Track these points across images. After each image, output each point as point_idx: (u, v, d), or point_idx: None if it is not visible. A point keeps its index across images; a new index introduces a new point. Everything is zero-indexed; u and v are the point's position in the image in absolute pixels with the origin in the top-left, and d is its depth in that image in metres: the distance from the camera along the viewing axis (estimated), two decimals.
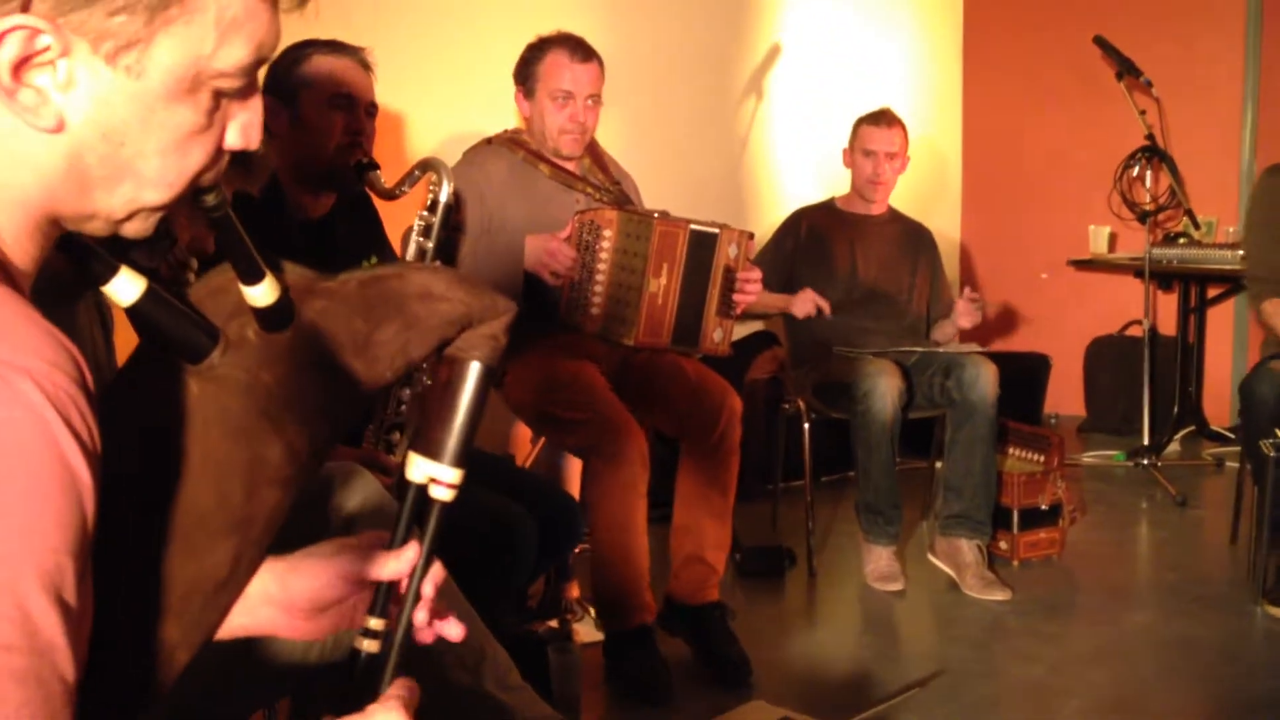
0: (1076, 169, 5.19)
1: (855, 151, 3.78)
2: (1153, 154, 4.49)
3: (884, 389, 3.26)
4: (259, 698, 0.99)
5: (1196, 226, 4.61)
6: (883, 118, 3.76)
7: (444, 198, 1.92)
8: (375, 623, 0.96)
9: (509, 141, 2.96)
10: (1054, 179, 5.36)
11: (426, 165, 1.95)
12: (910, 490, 4.03)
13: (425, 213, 1.93)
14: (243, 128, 0.79)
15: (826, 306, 3.59)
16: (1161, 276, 4.80)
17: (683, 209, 3.05)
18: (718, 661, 2.77)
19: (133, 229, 0.78)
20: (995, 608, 3.18)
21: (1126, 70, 4.39)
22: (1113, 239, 5.03)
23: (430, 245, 1.92)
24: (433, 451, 0.95)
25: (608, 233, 2.78)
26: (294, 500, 0.92)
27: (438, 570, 0.98)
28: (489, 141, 2.99)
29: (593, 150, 3.06)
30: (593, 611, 2.99)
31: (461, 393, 0.94)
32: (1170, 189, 4.58)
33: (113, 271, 0.79)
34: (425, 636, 1.00)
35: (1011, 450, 3.70)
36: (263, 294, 0.84)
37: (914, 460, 4.38)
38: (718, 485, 2.89)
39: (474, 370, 0.94)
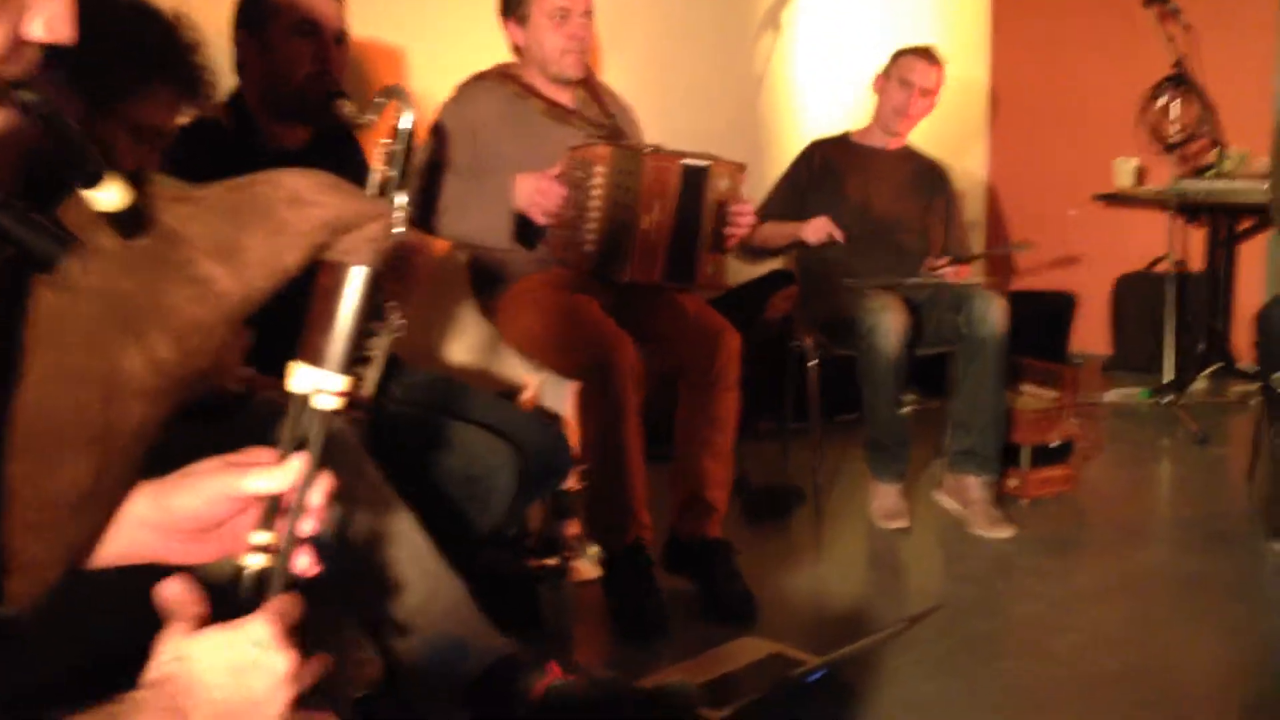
0: (1104, 101, 5.04)
1: (891, 78, 3.68)
2: (1180, 83, 4.35)
3: (888, 325, 3.20)
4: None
5: (1224, 157, 4.47)
6: (928, 53, 3.67)
7: (406, 124, 1.89)
8: (260, 538, 0.94)
9: (500, 75, 2.92)
10: (1082, 112, 5.21)
11: (389, 92, 1.91)
12: (925, 430, 3.98)
13: (386, 140, 1.90)
14: (47, 19, 0.76)
15: (840, 234, 3.51)
16: (1190, 210, 4.66)
17: (698, 146, 2.99)
18: (721, 599, 2.75)
19: None
20: (1001, 545, 3.13)
21: None
22: (1141, 173, 4.90)
23: (394, 174, 1.89)
24: (316, 359, 0.93)
25: (599, 169, 2.74)
26: (165, 415, 0.90)
27: (325, 481, 0.96)
28: (480, 76, 2.94)
29: (589, 82, 3.01)
30: (591, 550, 2.98)
31: (343, 298, 0.92)
32: (1198, 119, 4.44)
33: None
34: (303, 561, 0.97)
35: (1025, 387, 3.62)
36: (109, 198, 0.82)
37: (930, 400, 4.33)
38: (716, 424, 2.85)
39: (356, 275, 0.92)
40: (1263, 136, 4.70)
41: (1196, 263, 4.82)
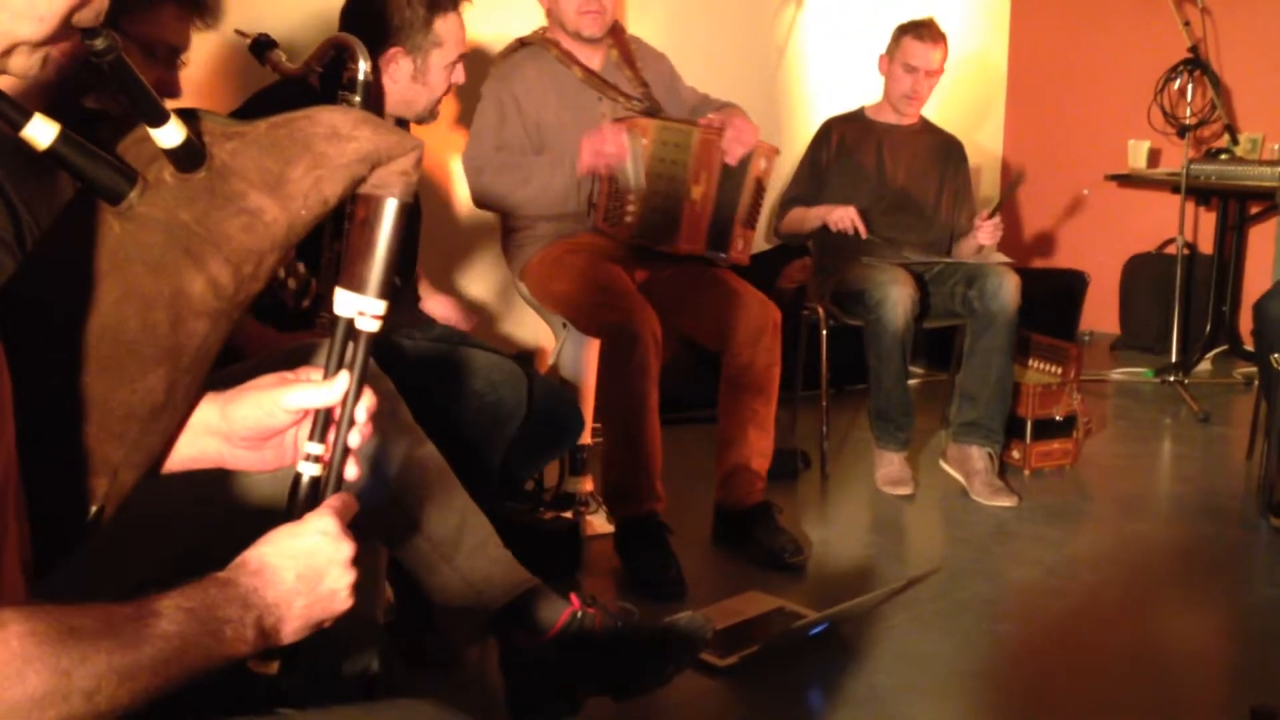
0: (1120, 81, 5.08)
1: (894, 62, 3.71)
2: (1195, 66, 4.39)
3: (896, 298, 3.27)
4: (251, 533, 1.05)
5: (1235, 142, 4.51)
6: (927, 32, 3.66)
7: (363, 75, 1.91)
8: (314, 448, 1.03)
9: (542, 40, 3.00)
10: (1098, 92, 5.25)
11: (340, 43, 1.93)
12: (931, 401, 4.06)
13: (344, 92, 1.92)
14: None
15: (864, 230, 3.52)
16: (1201, 193, 4.71)
17: None
18: (769, 554, 2.83)
19: (17, 66, 0.82)
20: (1001, 513, 3.21)
21: None
22: (1153, 155, 4.94)
23: None
24: (357, 285, 1.00)
25: (644, 141, 2.84)
26: (226, 333, 0.99)
27: (369, 397, 1.04)
28: (522, 43, 3.02)
29: (619, 39, 3.07)
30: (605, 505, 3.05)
31: (380, 229, 0.99)
32: (1212, 103, 4.48)
33: (26, 117, 0.84)
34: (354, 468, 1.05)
35: (1032, 363, 3.69)
36: (169, 135, 0.90)
37: (937, 372, 4.40)
38: (761, 396, 2.95)
39: (390, 206, 0.99)
40: (1277, 121, 4.75)
41: (1206, 245, 4.87)
